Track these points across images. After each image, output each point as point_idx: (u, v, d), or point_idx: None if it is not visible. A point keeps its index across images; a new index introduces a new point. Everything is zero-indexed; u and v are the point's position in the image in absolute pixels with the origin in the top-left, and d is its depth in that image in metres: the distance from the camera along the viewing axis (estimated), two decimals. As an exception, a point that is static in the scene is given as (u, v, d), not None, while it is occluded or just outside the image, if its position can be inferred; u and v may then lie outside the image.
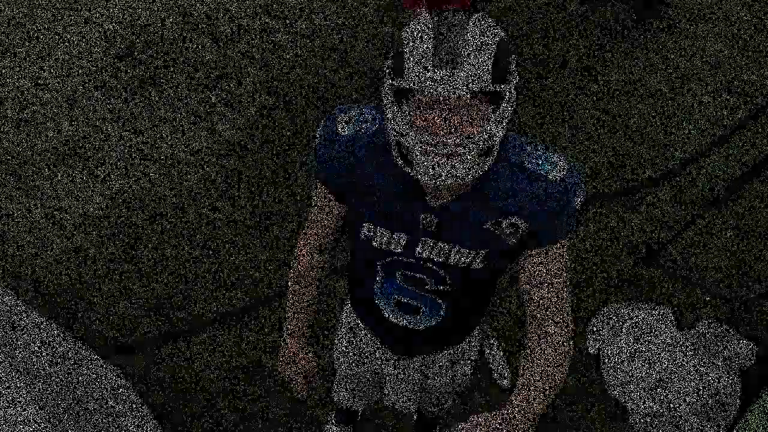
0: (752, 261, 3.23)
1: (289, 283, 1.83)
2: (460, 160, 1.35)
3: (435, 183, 1.38)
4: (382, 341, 1.92)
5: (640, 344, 2.93)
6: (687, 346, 2.92)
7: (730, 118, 3.75)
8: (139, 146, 3.76)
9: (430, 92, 1.31)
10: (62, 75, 4.06)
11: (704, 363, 2.86)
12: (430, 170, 1.36)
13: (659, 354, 2.91)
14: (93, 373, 2.41)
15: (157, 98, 3.96)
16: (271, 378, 3.05)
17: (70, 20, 4.35)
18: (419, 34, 1.34)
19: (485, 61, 1.31)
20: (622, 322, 2.99)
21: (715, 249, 3.29)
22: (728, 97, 3.85)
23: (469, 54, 1.30)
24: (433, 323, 1.75)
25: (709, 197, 3.21)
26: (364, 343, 2.01)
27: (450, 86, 1.30)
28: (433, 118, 1.34)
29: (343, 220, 1.71)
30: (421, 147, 1.34)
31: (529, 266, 1.54)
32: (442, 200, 1.50)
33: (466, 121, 1.34)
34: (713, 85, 3.92)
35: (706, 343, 2.92)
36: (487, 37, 1.33)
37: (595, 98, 3.90)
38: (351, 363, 2.12)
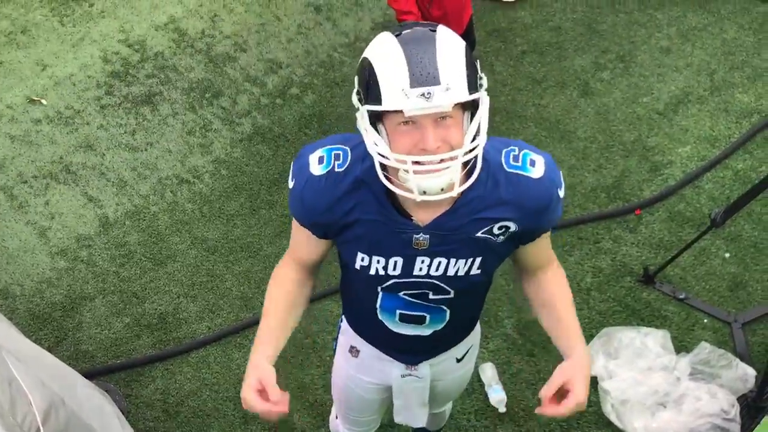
0: (750, 282, 3.19)
1: (267, 305, 1.71)
2: (449, 171, 1.35)
3: (429, 197, 1.37)
4: (386, 353, 1.88)
5: (638, 367, 2.88)
6: (685, 370, 2.87)
7: (728, 139, 3.73)
8: (134, 164, 3.73)
9: (412, 112, 1.31)
10: (58, 92, 4.05)
11: (703, 386, 2.81)
12: (423, 185, 1.36)
13: (657, 377, 2.86)
14: (78, 395, 2.37)
15: (151, 116, 3.94)
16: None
17: (68, 37, 4.35)
18: (390, 57, 1.33)
19: (459, 74, 1.32)
20: (620, 345, 2.94)
21: (712, 270, 3.25)
22: (726, 118, 3.83)
23: (444, 69, 1.31)
24: (439, 327, 1.75)
25: (707, 219, 3.17)
26: (367, 360, 1.93)
27: (431, 103, 1.30)
28: (407, 138, 1.35)
29: (325, 253, 1.69)
30: (412, 167, 1.34)
31: (527, 252, 1.64)
32: (429, 218, 1.49)
33: (445, 134, 1.34)
34: (711, 106, 3.90)
35: (705, 367, 2.88)
36: (455, 48, 1.34)
37: (591, 118, 3.88)
38: (351, 384, 2.03)
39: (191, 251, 3.39)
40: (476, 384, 2.92)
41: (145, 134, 3.86)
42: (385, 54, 1.34)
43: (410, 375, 1.91)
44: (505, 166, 1.47)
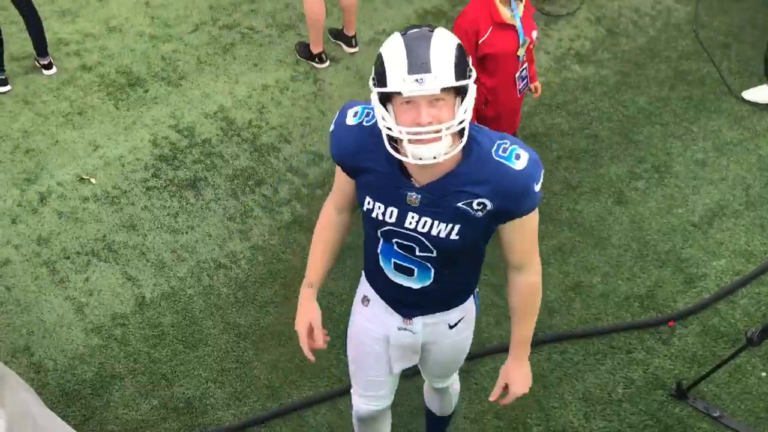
0: (788, 404, 3.12)
1: (312, 240, 2.20)
2: (438, 143, 1.71)
3: (421, 163, 1.74)
4: (388, 303, 2.19)
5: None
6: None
7: (763, 255, 3.72)
8: (174, 246, 3.83)
9: (410, 93, 1.68)
10: (107, 172, 4.21)
11: None
12: (417, 152, 1.73)
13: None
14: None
15: (195, 200, 4.07)
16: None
17: (121, 120, 4.56)
18: (395, 51, 1.72)
19: (448, 64, 1.69)
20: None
21: (748, 389, 3.18)
22: (761, 233, 3.83)
23: (435, 61, 1.68)
24: (426, 284, 2.06)
25: (742, 335, 3.14)
26: (375, 309, 2.25)
27: (423, 87, 1.67)
28: (408, 114, 1.72)
29: (354, 191, 2.06)
30: (407, 137, 1.71)
31: (508, 233, 1.93)
32: (424, 181, 1.85)
33: (436, 113, 1.70)
34: (746, 220, 3.92)
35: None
36: (448, 44, 1.71)
37: (626, 226, 3.91)
38: (361, 335, 2.32)
39: (223, 336, 3.43)
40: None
41: (187, 217, 3.98)
42: (392, 48, 1.73)
43: (405, 329, 2.21)
44: (493, 154, 1.80)
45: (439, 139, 1.71)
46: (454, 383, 2.62)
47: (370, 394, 2.42)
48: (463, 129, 1.76)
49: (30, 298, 3.58)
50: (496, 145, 1.81)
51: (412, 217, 1.90)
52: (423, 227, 1.91)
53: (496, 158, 1.79)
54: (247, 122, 4.56)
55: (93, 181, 4.16)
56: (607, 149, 4.37)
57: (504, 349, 3.30)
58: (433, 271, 2.03)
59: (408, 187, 1.88)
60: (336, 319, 3.35)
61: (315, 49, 4.96)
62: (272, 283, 3.66)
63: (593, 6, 5.66)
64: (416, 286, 2.08)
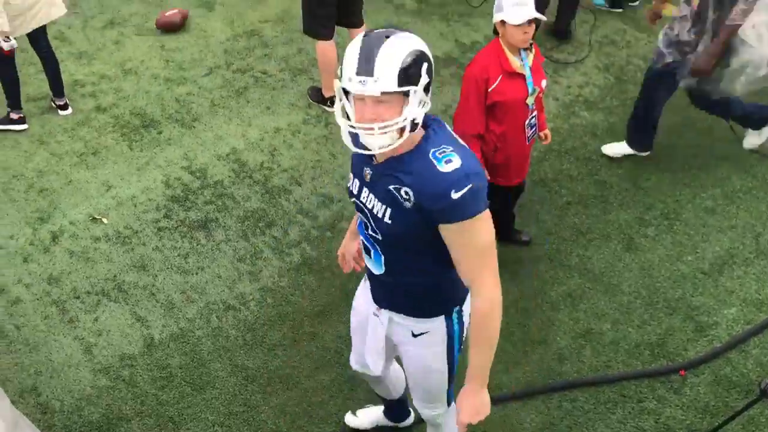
0: (802, 458, 3.07)
1: None
2: (383, 137, 1.88)
3: (368, 153, 1.93)
4: (369, 284, 2.37)
5: None
6: None
7: (775, 304, 3.70)
8: (183, 287, 3.84)
9: (355, 92, 1.86)
10: (119, 212, 4.25)
11: None
12: (366, 142, 1.92)
13: None
14: None
15: (205, 241, 4.09)
16: None
17: (135, 161, 4.61)
18: (351, 50, 1.87)
19: (392, 70, 1.82)
20: None
21: (762, 441, 3.14)
22: (772, 282, 3.82)
23: (379, 65, 1.82)
24: (382, 272, 2.21)
25: (755, 385, 3.11)
26: (366, 286, 2.43)
27: (365, 89, 1.83)
28: (359, 109, 1.90)
29: None
30: (347, 129, 1.93)
31: (446, 238, 1.99)
32: (379, 161, 2.03)
33: (380, 111, 1.86)
34: (757, 269, 3.91)
35: None
36: (398, 50, 1.84)
37: (635, 272, 3.90)
38: (356, 304, 2.56)
39: (231, 379, 3.41)
40: None
41: (197, 258, 3.99)
42: (351, 47, 1.88)
43: (376, 316, 2.37)
44: (429, 154, 1.92)
45: (382, 134, 1.88)
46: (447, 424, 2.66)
47: (357, 357, 2.66)
48: (416, 124, 1.92)
49: (39, 337, 3.58)
50: (439, 147, 1.94)
51: (365, 192, 2.10)
52: (369, 203, 2.09)
53: (430, 156, 1.92)
54: (258, 164, 4.60)
55: (105, 220, 4.20)
56: (616, 195, 4.39)
57: (513, 398, 3.29)
58: (382, 257, 2.17)
59: (368, 164, 2.08)
60: (344, 363, 3.34)
61: (327, 93, 5.03)
62: (281, 325, 3.66)
63: (601, 54, 5.74)
64: (375, 271, 2.23)
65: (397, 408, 3.07)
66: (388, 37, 1.85)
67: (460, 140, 2.03)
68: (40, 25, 4.64)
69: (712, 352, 3.47)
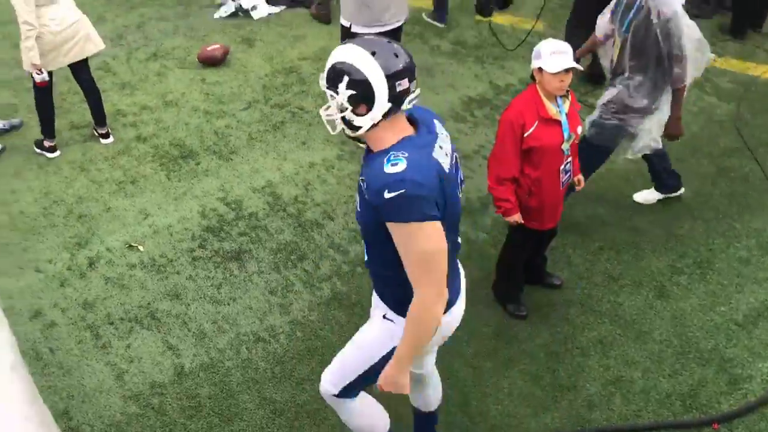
0: None
1: None
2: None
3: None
4: None
5: None
6: None
7: (811, 359, 3.63)
8: (215, 317, 3.88)
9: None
10: (155, 240, 4.33)
11: None
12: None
13: None
14: None
15: (238, 272, 4.14)
16: None
17: (172, 190, 4.71)
18: None
19: (326, 71, 2.15)
20: None
21: (796, 500, 3.06)
22: (808, 336, 3.76)
23: (326, 67, 2.15)
24: (366, 259, 2.39)
25: (790, 442, 3.05)
26: None
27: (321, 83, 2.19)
28: None
29: None
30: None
31: (392, 235, 2.12)
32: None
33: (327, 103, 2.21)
34: (792, 322, 3.85)
35: None
36: (331, 59, 2.12)
37: (667, 321, 3.86)
38: None
39: (258, 411, 3.42)
40: None
41: (230, 289, 4.04)
42: None
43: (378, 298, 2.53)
44: (388, 155, 2.07)
45: (326, 120, 2.22)
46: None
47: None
48: (355, 127, 2.17)
49: (72, 361, 3.64)
50: (400, 150, 2.08)
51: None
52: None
53: (386, 157, 2.07)
54: (293, 198, 4.67)
55: (141, 248, 4.28)
56: (648, 242, 4.37)
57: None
58: (365, 246, 2.37)
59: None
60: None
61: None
62: (309, 360, 3.67)
63: (635, 100, 5.75)
64: (366, 258, 2.41)
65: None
66: (342, 45, 2.13)
67: (440, 154, 2.16)
68: (75, 60, 4.76)
69: (746, 406, 3.41)
